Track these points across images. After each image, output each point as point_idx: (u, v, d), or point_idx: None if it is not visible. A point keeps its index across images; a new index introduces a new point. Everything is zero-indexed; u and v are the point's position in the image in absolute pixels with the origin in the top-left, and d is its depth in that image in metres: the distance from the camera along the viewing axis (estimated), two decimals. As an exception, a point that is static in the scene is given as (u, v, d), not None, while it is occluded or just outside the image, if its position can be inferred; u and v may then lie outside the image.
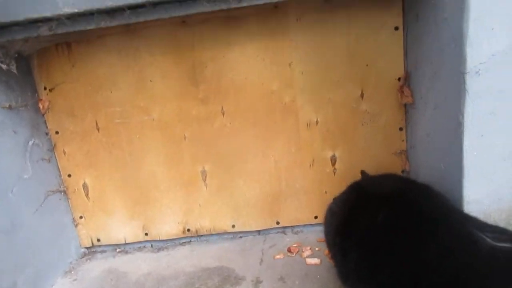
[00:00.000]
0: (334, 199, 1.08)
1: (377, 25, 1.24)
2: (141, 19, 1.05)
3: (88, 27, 1.07)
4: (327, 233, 1.08)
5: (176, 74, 1.34)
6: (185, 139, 1.40)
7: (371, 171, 1.38)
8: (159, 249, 1.49)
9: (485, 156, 0.89)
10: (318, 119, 1.35)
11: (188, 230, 1.50)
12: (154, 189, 1.46)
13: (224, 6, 1.01)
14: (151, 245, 1.53)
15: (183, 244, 1.51)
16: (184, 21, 1.28)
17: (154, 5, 1.01)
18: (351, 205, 0.96)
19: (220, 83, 1.33)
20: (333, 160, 1.39)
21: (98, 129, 1.41)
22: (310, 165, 1.39)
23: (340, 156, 1.38)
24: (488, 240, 0.66)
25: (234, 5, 1.00)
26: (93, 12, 1.01)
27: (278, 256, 1.32)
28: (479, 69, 0.83)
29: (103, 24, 1.06)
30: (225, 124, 1.37)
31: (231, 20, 1.27)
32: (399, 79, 1.27)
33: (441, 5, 0.92)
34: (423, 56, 1.10)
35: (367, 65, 1.28)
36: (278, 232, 1.47)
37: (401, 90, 1.24)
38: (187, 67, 1.33)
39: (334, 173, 1.39)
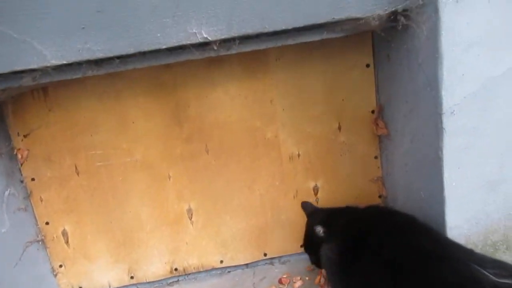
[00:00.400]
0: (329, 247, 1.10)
1: (350, 63, 1.34)
2: (130, 67, 1.06)
3: (74, 77, 1.06)
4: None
5: (159, 115, 1.34)
6: (169, 179, 1.40)
7: (351, 197, 1.46)
8: (146, 292, 1.46)
9: (463, 186, 0.99)
10: (300, 152, 1.40)
11: (176, 269, 1.48)
12: (139, 230, 1.44)
13: (213, 54, 1.05)
14: (137, 289, 1.49)
15: (171, 284, 1.49)
16: (167, 64, 1.30)
17: (144, 53, 1.02)
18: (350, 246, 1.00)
19: (204, 122, 1.36)
20: (316, 190, 1.45)
21: (77, 173, 1.37)
22: (294, 196, 1.44)
23: (322, 185, 1.44)
24: (491, 277, 0.72)
25: (223, 53, 1.04)
26: (81, 63, 1.01)
27: (270, 289, 1.34)
28: (454, 110, 0.93)
29: (90, 73, 1.05)
30: (210, 161, 1.39)
31: (213, 61, 1.30)
32: (372, 111, 1.37)
33: (415, 51, 1.02)
34: (396, 93, 1.20)
35: (343, 99, 1.36)
36: (266, 263, 1.50)
37: (375, 122, 1.33)
38: (170, 107, 1.34)
39: (317, 202, 1.45)
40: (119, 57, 1.01)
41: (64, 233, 1.42)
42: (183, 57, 1.05)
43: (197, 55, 1.05)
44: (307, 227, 1.30)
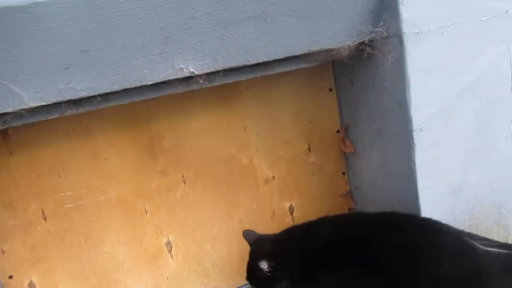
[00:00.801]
0: None
1: (315, 88, 1.43)
2: (112, 104, 1.04)
3: (50, 117, 1.01)
4: None
5: (133, 149, 1.32)
6: (146, 213, 1.36)
7: (323, 213, 1.53)
8: (127, 336, 1.38)
9: (434, 193, 1.11)
10: (274, 175, 1.46)
11: (157, 307, 1.43)
12: (116, 270, 1.37)
13: (196, 87, 1.07)
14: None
15: (152, 323, 1.43)
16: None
17: (126, 90, 1.01)
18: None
19: (179, 153, 1.35)
20: (291, 210, 1.50)
21: (45, 218, 1.28)
22: (271, 218, 1.49)
23: (297, 204, 1.50)
24: (480, 245, 0.84)
25: (205, 86, 1.06)
26: (60, 103, 0.97)
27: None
28: (422, 127, 1.06)
29: (68, 113, 1.01)
30: (187, 191, 1.38)
31: (187, 92, 1.31)
32: (337, 131, 1.47)
33: (380, 77, 1.13)
34: (361, 114, 1.31)
35: (310, 122, 1.45)
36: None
37: (343, 141, 1.44)
38: (144, 141, 1.32)
39: (293, 221, 1.51)
40: (101, 95, 0.99)
41: (31, 285, 1.30)
42: (166, 92, 1.06)
43: (180, 89, 1.06)
44: (250, 260, 1.21)
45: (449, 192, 1.12)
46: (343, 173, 1.52)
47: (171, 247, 1.41)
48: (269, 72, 1.12)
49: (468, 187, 1.13)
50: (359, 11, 1.04)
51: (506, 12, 1.07)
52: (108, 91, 0.96)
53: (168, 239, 1.40)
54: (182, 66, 0.97)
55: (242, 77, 1.10)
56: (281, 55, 1.05)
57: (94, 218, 1.32)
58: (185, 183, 1.38)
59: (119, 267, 1.37)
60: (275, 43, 1.02)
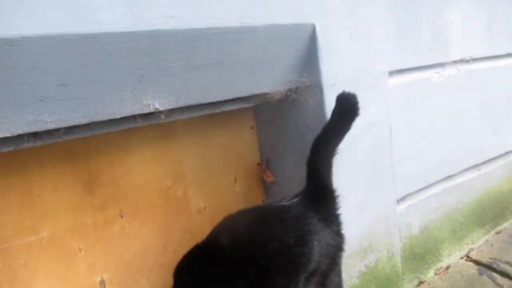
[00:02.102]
0: None
1: (239, 126, 1.64)
2: (72, 137, 1.05)
3: (3, 150, 0.97)
4: None
5: (70, 185, 1.29)
6: (80, 251, 1.32)
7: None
8: None
9: (344, 211, 1.38)
10: (206, 205, 1.58)
11: None
12: (44, 319, 1.26)
13: (154, 121, 1.17)
14: None
15: None
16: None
17: (91, 123, 1.05)
18: None
19: (118, 187, 1.37)
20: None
21: (-40, 267, 1.14)
22: (202, 246, 1.58)
23: (224, 232, 1.64)
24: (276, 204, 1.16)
25: (167, 120, 1.17)
26: (23, 135, 0.95)
27: None
28: (336, 157, 1.35)
29: (24, 145, 0.99)
30: (124, 226, 1.39)
31: (127, 128, 1.37)
32: (258, 164, 1.69)
33: (302, 117, 1.41)
34: (282, 148, 1.56)
35: (236, 156, 1.64)
36: (182, 318, 1.54)
37: (265, 172, 1.66)
38: (82, 176, 1.30)
39: (222, 248, 1.63)
40: (66, 128, 1.01)
41: None
42: (127, 125, 1.12)
43: (140, 123, 1.14)
44: None
45: (357, 208, 1.42)
46: (263, 201, 1.73)
47: (104, 286, 1.37)
48: (217, 110, 1.28)
49: (369, 203, 1.46)
50: (290, 65, 1.30)
51: (384, 72, 1.49)
52: (76, 123, 0.99)
53: (102, 277, 1.37)
54: (149, 102, 1.07)
55: (195, 114, 1.24)
56: (230, 96, 1.23)
57: (22, 261, 1.22)
58: (122, 217, 1.39)
59: (48, 313, 1.27)
60: (228, 86, 1.20)
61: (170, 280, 1.48)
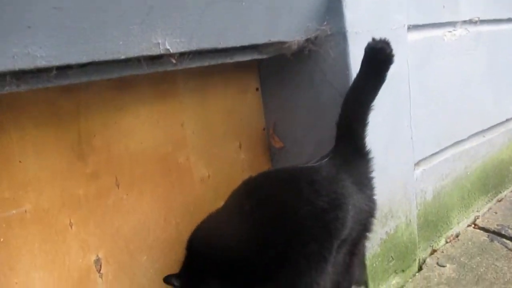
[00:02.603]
0: None
1: (244, 87, 1.48)
2: (65, 82, 0.86)
3: (-23, 94, 0.77)
4: None
5: (56, 148, 1.09)
6: (71, 227, 1.13)
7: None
8: None
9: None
10: (209, 173, 1.42)
11: None
12: (31, 306, 1.08)
13: (161, 68, 0.99)
14: None
15: None
16: (64, 86, 1.08)
17: (85, 65, 0.86)
18: None
19: (113, 152, 1.19)
20: (224, 210, 1.48)
21: None
22: (206, 220, 1.42)
23: (229, 204, 1.49)
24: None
25: (176, 67, 1.00)
26: (5, 75, 0.76)
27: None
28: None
29: (6, 89, 0.79)
30: (121, 197, 1.21)
31: (122, 84, 1.18)
32: (263, 129, 1.55)
33: (320, 71, 1.27)
34: (292, 110, 1.42)
35: (241, 119, 1.48)
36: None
37: (272, 137, 1.51)
38: (70, 139, 1.11)
39: (226, 221, 1.48)
40: (58, 68, 0.81)
41: None
42: (130, 71, 0.94)
43: (145, 69, 0.96)
44: None
45: (378, 172, 1.31)
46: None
47: (100, 265, 1.19)
48: (228, 60, 1.12)
49: (389, 167, 1.35)
50: (310, 10, 1.16)
51: (404, 26, 1.37)
52: (73, 62, 0.80)
53: (98, 256, 1.19)
54: (159, 41, 0.89)
55: (206, 62, 1.07)
56: (246, 42, 1.07)
57: (1, 239, 1.02)
58: (118, 187, 1.21)
59: (35, 300, 1.08)
60: (244, 28, 1.04)
61: (171, 258, 1.33)
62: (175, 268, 1.32)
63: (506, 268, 1.46)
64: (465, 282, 1.42)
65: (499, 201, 1.98)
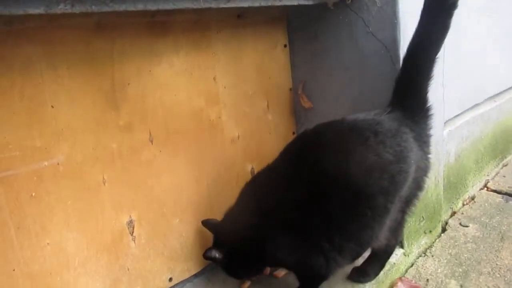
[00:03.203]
0: None
1: (272, 43, 1.40)
2: (121, 8, 0.76)
3: (28, 11, 0.66)
4: None
5: (90, 95, 0.98)
6: (104, 184, 1.03)
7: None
8: None
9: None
10: (239, 134, 1.34)
11: (116, 311, 1.08)
12: (64, 268, 0.97)
13: (214, 5, 0.90)
14: None
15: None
16: (99, 24, 0.97)
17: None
18: None
19: (147, 103, 1.08)
20: (252, 173, 1.41)
21: None
22: (236, 182, 1.35)
23: (256, 168, 1.41)
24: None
25: (229, 4, 0.91)
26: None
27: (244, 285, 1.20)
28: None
29: (59, 9, 0.68)
30: (154, 154, 1.11)
31: (156, 26, 1.07)
32: (290, 89, 1.48)
33: (362, 22, 1.21)
34: (325, 67, 1.35)
35: (269, 78, 1.41)
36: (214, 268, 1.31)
37: (301, 97, 1.45)
38: (104, 85, 1.00)
39: (254, 185, 1.41)
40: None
41: None
42: (171, 5, 0.84)
43: (195, 4, 0.86)
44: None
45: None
46: (293, 133, 1.53)
47: (133, 228, 1.10)
48: (278, 3, 1.04)
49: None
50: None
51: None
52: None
53: (130, 217, 1.09)
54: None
55: (256, 3, 0.98)
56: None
57: (33, 193, 0.91)
58: (152, 142, 1.11)
59: (68, 263, 0.98)
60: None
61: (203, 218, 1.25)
62: (206, 235, 1.24)
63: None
64: (490, 240, 1.43)
65: (505, 165, 2.03)
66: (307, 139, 1.05)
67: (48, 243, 0.94)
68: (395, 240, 1.16)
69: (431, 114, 1.09)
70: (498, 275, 1.24)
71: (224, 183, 1.31)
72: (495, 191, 1.79)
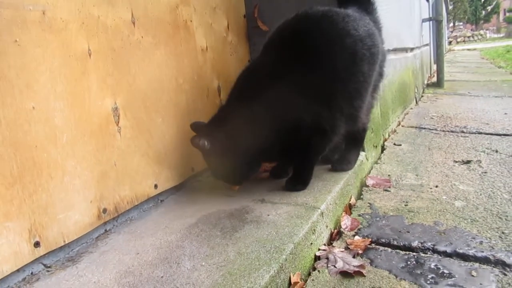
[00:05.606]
0: None
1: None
2: None
3: None
4: None
5: None
6: (90, 56, 0.89)
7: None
8: (60, 267, 0.80)
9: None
10: (207, 46, 1.31)
11: (105, 210, 0.92)
12: (51, 144, 0.80)
13: None
14: (45, 268, 0.79)
15: (99, 239, 0.90)
16: None
17: None
18: None
19: (129, -20, 0.99)
20: (219, 91, 1.38)
21: None
22: (206, 96, 1.30)
23: (222, 86, 1.39)
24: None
25: None
26: None
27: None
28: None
29: None
30: (137, 38, 1.02)
31: None
32: (244, 16, 1.52)
33: None
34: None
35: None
36: (195, 181, 1.22)
37: (258, 20, 1.49)
38: None
39: (221, 103, 1.38)
40: None
41: None
42: None
43: None
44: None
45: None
46: (249, 61, 1.55)
47: (118, 117, 0.97)
48: None
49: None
50: None
51: None
52: None
53: (116, 104, 0.96)
54: None
55: None
56: None
57: (17, 39, 0.74)
58: (134, 24, 1.01)
59: (55, 138, 0.82)
60: None
61: (184, 128, 1.16)
62: (184, 142, 1.15)
63: (441, 140, 1.79)
64: (421, 150, 1.67)
65: (407, 114, 2.39)
66: (294, 26, 1.08)
67: (33, 107, 0.76)
68: (367, 119, 1.27)
69: (378, 15, 1.25)
70: (438, 166, 1.45)
71: (198, 93, 1.25)
72: (408, 126, 2.09)
